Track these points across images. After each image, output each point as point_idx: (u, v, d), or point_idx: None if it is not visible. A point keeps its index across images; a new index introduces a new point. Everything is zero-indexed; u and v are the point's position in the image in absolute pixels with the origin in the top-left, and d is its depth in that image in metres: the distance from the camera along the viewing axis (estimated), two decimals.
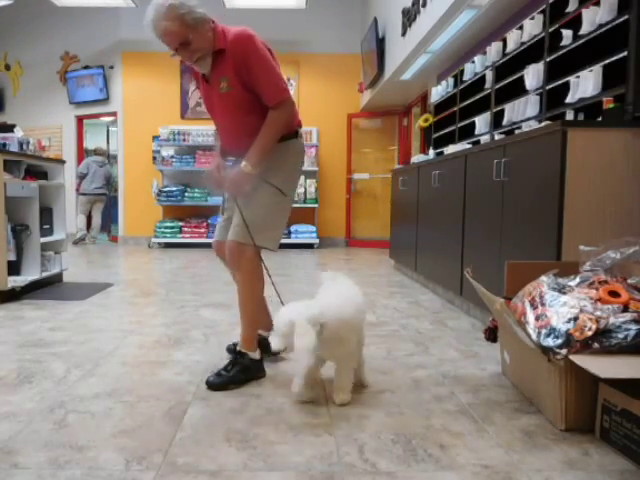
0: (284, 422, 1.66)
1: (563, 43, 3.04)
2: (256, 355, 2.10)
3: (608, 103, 2.56)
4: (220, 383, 1.97)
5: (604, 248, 1.86)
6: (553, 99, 3.18)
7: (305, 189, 7.82)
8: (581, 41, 2.89)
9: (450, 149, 4.38)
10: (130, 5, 7.19)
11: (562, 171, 2.17)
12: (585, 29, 2.83)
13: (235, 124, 2.10)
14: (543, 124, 2.56)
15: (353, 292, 1.89)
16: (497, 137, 3.81)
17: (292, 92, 2.28)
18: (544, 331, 1.64)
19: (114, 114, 8.31)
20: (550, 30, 3.20)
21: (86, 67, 8.33)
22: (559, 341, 1.58)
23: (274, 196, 2.08)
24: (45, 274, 3.95)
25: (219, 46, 1.98)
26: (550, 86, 3.21)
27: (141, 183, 8.09)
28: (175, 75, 8.11)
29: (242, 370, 2.04)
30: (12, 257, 3.60)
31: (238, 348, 2.11)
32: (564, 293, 1.74)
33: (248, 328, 2.11)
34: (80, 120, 8.72)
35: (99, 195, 8.22)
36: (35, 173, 3.92)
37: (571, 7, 2.99)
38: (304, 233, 7.70)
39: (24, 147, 4.15)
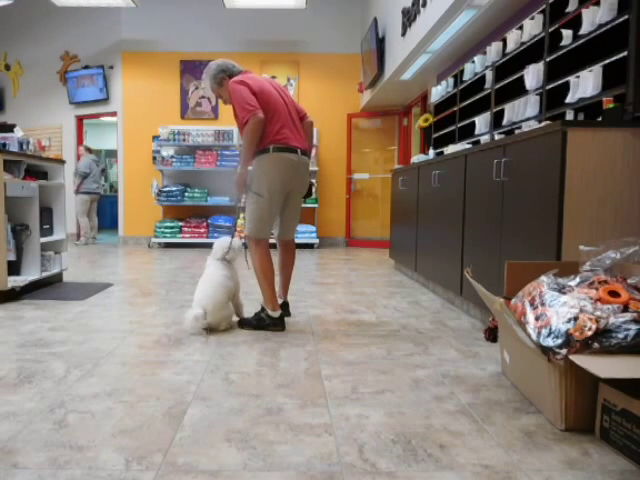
0: (284, 422, 1.66)
1: (563, 43, 3.04)
2: (273, 313, 2.74)
3: (608, 103, 2.56)
4: (240, 322, 2.85)
5: (604, 248, 1.86)
6: (553, 99, 3.18)
7: None
8: (581, 41, 2.89)
9: (450, 149, 4.38)
10: (130, 5, 7.19)
11: (562, 171, 2.17)
12: (585, 29, 2.83)
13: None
14: (543, 124, 2.56)
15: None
16: (497, 137, 3.81)
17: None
18: (544, 331, 1.64)
19: (114, 114, 8.30)
20: (550, 30, 3.20)
21: (86, 67, 8.33)
22: (559, 341, 1.58)
23: (253, 198, 2.76)
24: (45, 274, 3.95)
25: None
26: (550, 86, 3.21)
27: (141, 183, 8.09)
28: (175, 75, 8.11)
29: (257, 319, 2.78)
30: (12, 257, 3.60)
31: (261, 303, 2.81)
32: (564, 293, 1.74)
33: (265, 291, 2.77)
34: (80, 120, 8.71)
35: (98, 194, 8.24)
36: (35, 173, 3.92)
37: (571, 7, 3.00)
38: (304, 233, 7.67)
39: (24, 147, 4.15)
